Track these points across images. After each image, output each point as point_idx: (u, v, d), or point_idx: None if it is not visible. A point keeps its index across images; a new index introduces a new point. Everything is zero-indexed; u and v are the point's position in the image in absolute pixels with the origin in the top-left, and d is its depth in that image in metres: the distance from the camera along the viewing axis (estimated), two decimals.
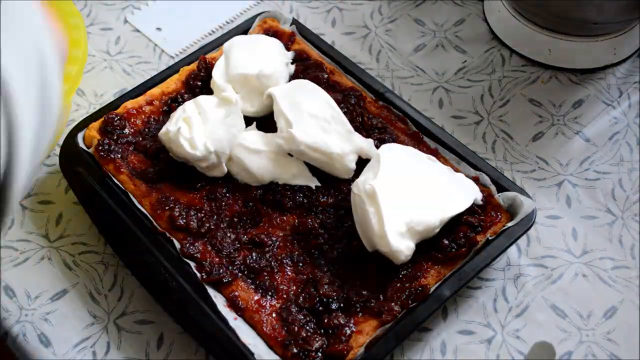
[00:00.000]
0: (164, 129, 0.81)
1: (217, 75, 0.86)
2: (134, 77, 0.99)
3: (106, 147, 0.82)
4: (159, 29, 1.06)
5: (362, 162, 0.80)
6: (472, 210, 0.76)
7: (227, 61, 0.87)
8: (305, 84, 0.85)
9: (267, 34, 0.93)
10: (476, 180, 0.79)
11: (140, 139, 0.85)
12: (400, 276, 0.72)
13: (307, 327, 0.69)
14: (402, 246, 0.70)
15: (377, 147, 0.79)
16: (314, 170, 0.81)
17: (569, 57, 0.95)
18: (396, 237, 0.70)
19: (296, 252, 0.76)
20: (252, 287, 0.73)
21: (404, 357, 0.74)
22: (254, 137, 0.81)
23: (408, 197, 0.73)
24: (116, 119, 0.85)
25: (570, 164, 0.88)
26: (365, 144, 0.81)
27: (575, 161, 0.88)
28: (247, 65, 0.85)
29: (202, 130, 0.80)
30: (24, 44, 0.49)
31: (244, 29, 0.95)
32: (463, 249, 0.73)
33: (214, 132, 0.80)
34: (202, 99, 0.84)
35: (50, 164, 0.90)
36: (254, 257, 0.75)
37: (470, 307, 0.77)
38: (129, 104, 0.87)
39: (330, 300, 0.71)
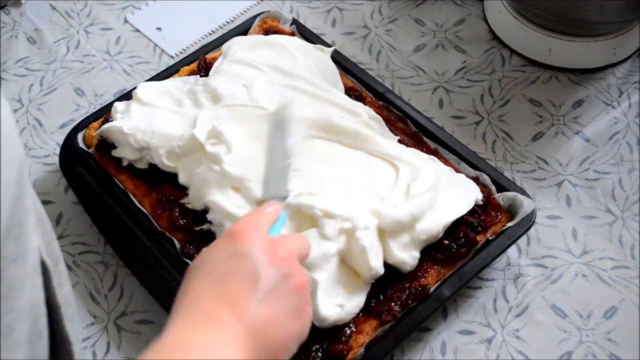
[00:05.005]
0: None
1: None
2: (134, 77, 0.99)
3: (106, 147, 0.82)
4: (159, 29, 1.06)
5: None
6: (472, 210, 0.75)
7: None
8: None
9: (267, 34, 0.93)
10: (476, 180, 0.79)
11: None
12: (400, 276, 0.72)
13: None
14: (407, 257, 0.70)
15: None
16: None
17: (569, 57, 0.95)
18: (400, 249, 0.70)
19: None
20: None
21: (404, 357, 0.74)
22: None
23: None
24: None
25: (570, 164, 0.88)
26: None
27: (575, 161, 0.88)
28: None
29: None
30: None
31: (244, 29, 0.95)
32: (463, 249, 0.73)
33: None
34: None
35: (50, 163, 0.90)
36: None
37: (470, 307, 0.77)
38: None
39: None
